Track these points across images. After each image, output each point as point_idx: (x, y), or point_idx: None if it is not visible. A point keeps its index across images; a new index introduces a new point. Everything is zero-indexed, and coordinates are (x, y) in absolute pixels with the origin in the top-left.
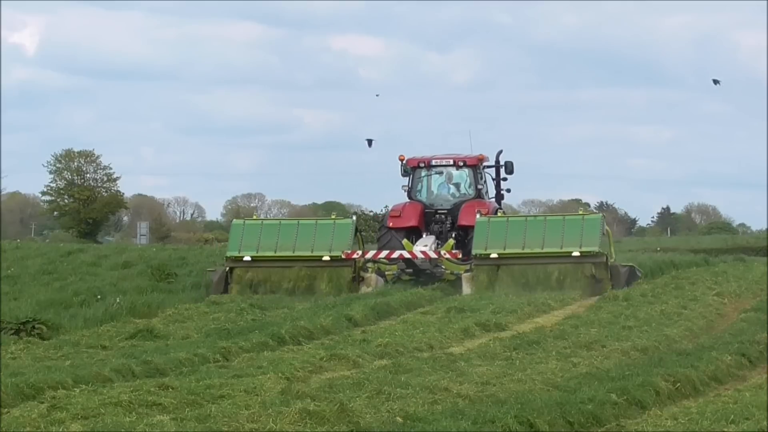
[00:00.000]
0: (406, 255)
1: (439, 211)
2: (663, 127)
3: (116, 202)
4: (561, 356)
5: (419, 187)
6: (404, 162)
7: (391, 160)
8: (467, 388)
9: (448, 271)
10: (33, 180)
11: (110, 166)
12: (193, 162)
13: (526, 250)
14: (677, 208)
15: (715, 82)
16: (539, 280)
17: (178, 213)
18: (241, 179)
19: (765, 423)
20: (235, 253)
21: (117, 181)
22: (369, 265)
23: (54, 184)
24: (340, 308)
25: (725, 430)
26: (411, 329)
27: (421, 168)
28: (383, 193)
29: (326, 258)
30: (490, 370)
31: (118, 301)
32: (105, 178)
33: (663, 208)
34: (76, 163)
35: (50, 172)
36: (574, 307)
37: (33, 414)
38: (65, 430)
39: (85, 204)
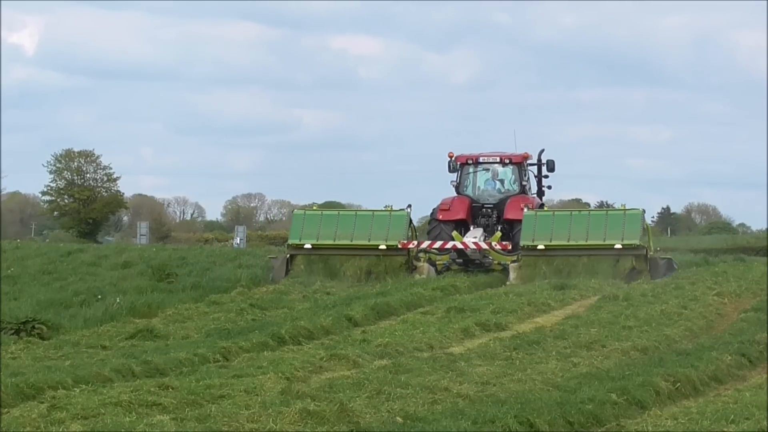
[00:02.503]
0: (459, 246)
1: (485, 206)
2: (662, 127)
3: (116, 202)
4: (561, 356)
5: (467, 183)
6: (453, 159)
7: (390, 159)
8: (467, 388)
9: (496, 262)
10: (33, 180)
11: (110, 166)
12: (193, 162)
13: (571, 243)
14: (677, 208)
15: None
16: (582, 271)
17: (178, 213)
18: (241, 179)
19: (765, 423)
20: (297, 241)
21: (117, 181)
22: (421, 255)
23: (54, 184)
24: (340, 308)
25: (725, 430)
26: (411, 329)
27: (469, 165)
28: (383, 193)
29: (382, 247)
30: (490, 370)
31: (118, 301)
32: (105, 178)
33: (663, 208)
34: (76, 163)
35: (50, 172)
36: (574, 307)
37: (33, 414)
38: (65, 430)
39: (85, 204)
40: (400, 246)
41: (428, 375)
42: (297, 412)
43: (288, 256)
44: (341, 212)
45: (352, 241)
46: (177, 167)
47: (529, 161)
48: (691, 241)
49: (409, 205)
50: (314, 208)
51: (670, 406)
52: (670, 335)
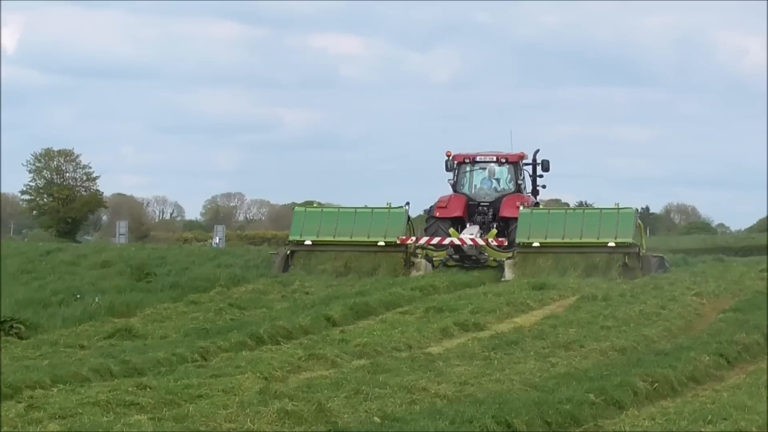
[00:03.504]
0: (457, 242)
1: (481, 204)
2: (643, 127)
3: (95, 201)
4: (539, 356)
5: (464, 181)
6: (450, 158)
7: (371, 159)
8: (445, 388)
9: (492, 258)
10: (12, 179)
11: (90, 165)
12: (174, 161)
13: (566, 240)
14: (656, 208)
15: None
16: (576, 267)
17: (157, 212)
18: (221, 178)
19: (743, 423)
20: (297, 237)
21: (96, 180)
22: (418, 251)
23: (33, 183)
24: (318, 308)
25: (703, 430)
26: (390, 329)
27: (466, 164)
28: (364, 192)
29: (381, 243)
30: (468, 370)
31: (96, 300)
32: (84, 177)
33: (642, 208)
34: (55, 162)
35: (29, 171)
36: (553, 307)
37: (10, 413)
38: (43, 429)
39: (65, 203)
40: (399, 242)
41: (406, 375)
42: (275, 411)
43: (288, 252)
44: (341, 209)
45: (351, 237)
46: (157, 166)
47: (524, 161)
48: (670, 241)
49: (408, 203)
50: (315, 205)
51: (647, 406)
52: (648, 335)
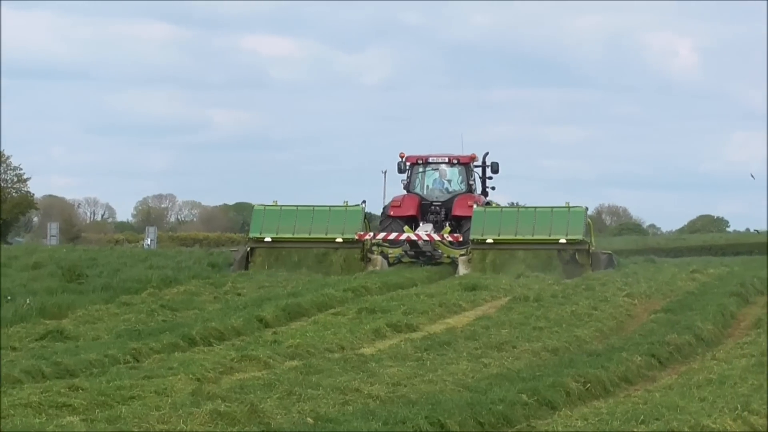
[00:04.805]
0: (413, 237)
1: (434, 203)
2: (575, 128)
3: (26, 202)
4: (472, 357)
5: (416, 182)
6: (403, 159)
7: (302, 159)
8: (378, 389)
9: (445, 255)
10: None
11: (20, 166)
12: (105, 162)
13: (518, 237)
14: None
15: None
16: (528, 264)
17: (88, 214)
18: (152, 179)
19: (675, 423)
20: (257, 234)
21: (27, 182)
22: (374, 247)
23: None
24: (251, 309)
25: (635, 430)
26: (322, 330)
27: (419, 165)
28: (296, 193)
29: (339, 240)
30: (401, 371)
31: (28, 302)
32: (15, 179)
33: None
34: None
35: None
36: (485, 308)
37: None
38: None
39: None
40: (357, 237)
41: (339, 376)
42: (207, 413)
43: (248, 249)
44: (300, 207)
45: (310, 234)
46: (88, 167)
47: (474, 162)
48: (602, 242)
49: (364, 201)
50: (274, 203)
51: (580, 406)
52: (580, 336)
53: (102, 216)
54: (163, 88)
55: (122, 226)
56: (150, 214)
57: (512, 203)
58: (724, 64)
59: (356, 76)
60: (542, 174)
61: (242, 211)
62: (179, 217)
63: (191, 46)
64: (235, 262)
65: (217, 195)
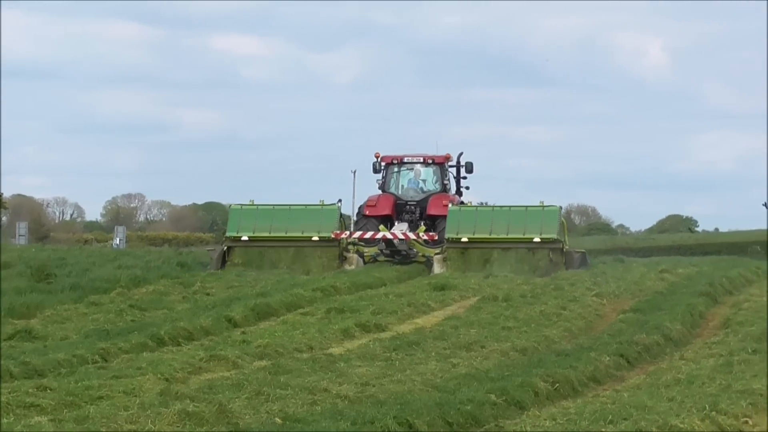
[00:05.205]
0: (389, 236)
1: (409, 203)
2: (545, 128)
3: None
4: (440, 357)
5: (392, 182)
6: (378, 159)
7: (273, 159)
8: (347, 389)
9: (420, 254)
10: None
11: None
12: (75, 161)
13: (493, 236)
14: None
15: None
16: (503, 262)
17: (57, 213)
18: (122, 179)
19: (643, 423)
20: (234, 233)
21: None
22: (350, 246)
23: None
24: (219, 309)
25: (603, 430)
26: (291, 330)
27: (394, 164)
28: (266, 193)
29: (316, 238)
30: (369, 371)
31: None
32: None
33: None
34: None
35: None
36: (454, 308)
37: None
38: None
39: None
40: (333, 236)
41: (308, 376)
42: (176, 413)
43: (225, 248)
44: (276, 206)
45: (286, 233)
46: (58, 167)
47: (449, 162)
48: (571, 241)
49: (340, 200)
50: (251, 203)
51: (548, 406)
52: (549, 336)
53: (71, 215)
54: (133, 88)
55: (91, 226)
56: (119, 214)
57: (482, 203)
58: (694, 64)
59: (327, 76)
60: (511, 174)
61: (212, 210)
62: (148, 216)
63: (162, 46)
64: (213, 261)
65: (186, 195)
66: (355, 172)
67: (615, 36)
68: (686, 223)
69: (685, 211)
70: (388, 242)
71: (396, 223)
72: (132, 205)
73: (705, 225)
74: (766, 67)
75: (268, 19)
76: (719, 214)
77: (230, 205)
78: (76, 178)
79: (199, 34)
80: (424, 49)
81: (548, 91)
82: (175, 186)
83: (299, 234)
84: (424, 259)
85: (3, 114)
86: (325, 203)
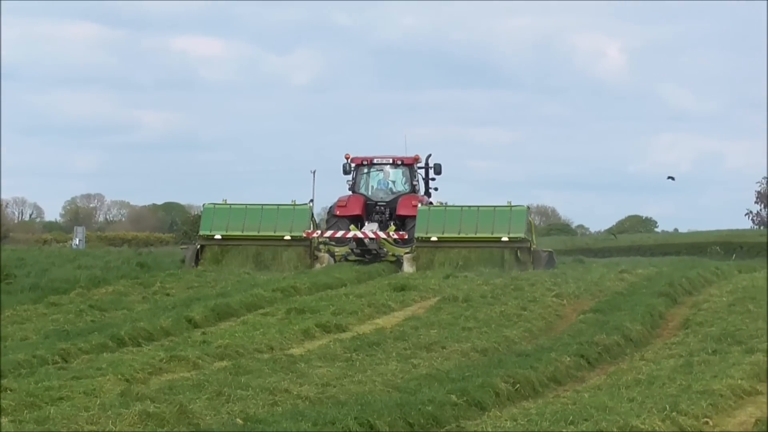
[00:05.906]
0: (360, 235)
1: (378, 203)
2: (503, 129)
3: None
4: (401, 357)
5: (361, 183)
6: (349, 160)
7: (232, 160)
8: (307, 390)
9: (390, 253)
10: None
11: None
12: (33, 162)
13: (462, 235)
14: None
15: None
16: (472, 260)
17: (16, 213)
18: (81, 180)
19: (604, 424)
20: (207, 232)
21: None
22: (321, 246)
23: None
24: (179, 309)
25: (564, 430)
26: (251, 330)
27: (364, 166)
28: (224, 193)
29: (287, 237)
30: (330, 371)
31: None
32: None
33: None
34: None
35: None
36: (414, 308)
37: None
38: None
39: None
40: (305, 235)
41: (268, 376)
42: (136, 413)
43: (198, 246)
44: (248, 206)
45: (259, 232)
46: (16, 168)
47: (418, 164)
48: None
49: (311, 200)
50: (224, 202)
51: (509, 407)
52: (509, 336)
53: (30, 216)
54: (91, 89)
55: (50, 226)
56: (78, 214)
57: (440, 203)
58: (652, 65)
59: (285, 77)
60: (470, 175)
61: (171, 211)
62: (108, 216)
63: (120, 47)
64: (186, 259)
65: (145, 195)
66: (314, 172)
67: (573, 37)
68: (645, 224)
69: (645, 212)
70: (358, 241)
71: (366, 224)
72: (91, 205)
73: (664, 225)
74: (723, 69)
75: (227, 20)
76: (677, 215)
77: (204, 204)
78: (34, 179)
79: (158, 35)
80: (383, 49)
81: (506, 92)
82: (134, 186)
83: (271, 233)
84: (394, 258)
85: None
86: (297, 203)
